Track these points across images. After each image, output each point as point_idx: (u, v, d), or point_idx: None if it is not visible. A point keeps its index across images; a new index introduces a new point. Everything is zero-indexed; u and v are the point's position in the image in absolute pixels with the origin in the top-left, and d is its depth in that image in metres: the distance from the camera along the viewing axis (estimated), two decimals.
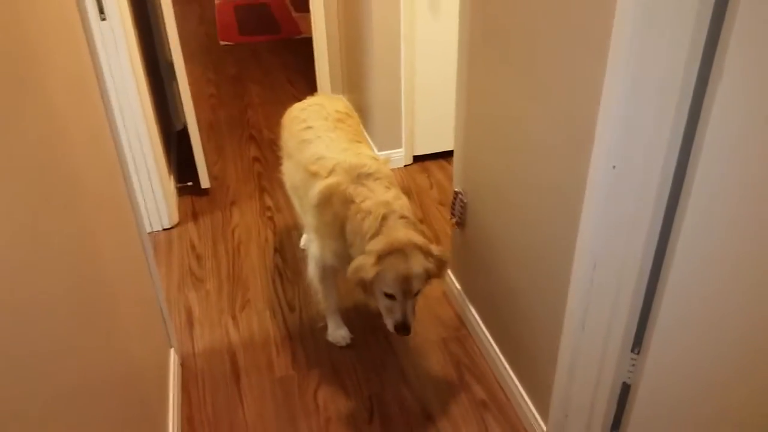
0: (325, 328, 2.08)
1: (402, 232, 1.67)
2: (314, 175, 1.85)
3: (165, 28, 2.59)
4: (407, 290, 1.64)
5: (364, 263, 1.64)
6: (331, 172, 1.81)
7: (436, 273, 1.70)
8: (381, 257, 1.63)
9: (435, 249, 1.70)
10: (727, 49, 1.03)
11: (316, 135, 1.98)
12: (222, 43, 5.02)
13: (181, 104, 2.80)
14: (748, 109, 1.09)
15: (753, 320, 1.35)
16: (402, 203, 1.77)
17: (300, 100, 2.27)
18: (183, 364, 2.00)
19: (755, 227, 1.23)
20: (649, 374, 1.43)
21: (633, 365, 1.46)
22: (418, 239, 1.67)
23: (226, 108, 3.84)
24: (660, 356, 1.40)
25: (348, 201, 1.74)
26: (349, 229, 1.74)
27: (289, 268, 2.44)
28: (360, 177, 1.78)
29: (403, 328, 1.67)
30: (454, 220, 2.05)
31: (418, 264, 1.64)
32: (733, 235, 1.24)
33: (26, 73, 0.98)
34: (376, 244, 1.64)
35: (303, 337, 2.10)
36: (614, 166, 1.17)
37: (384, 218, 1.69)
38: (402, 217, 1.71)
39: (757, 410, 1.49)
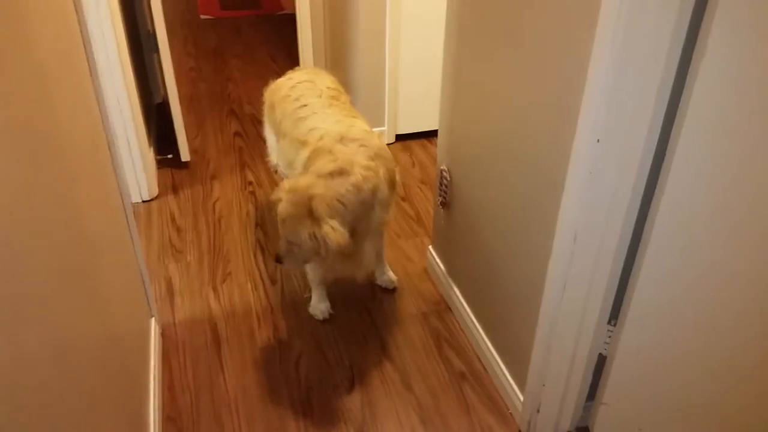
0: (310, 299, 2.10)
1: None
2: (304, 144, 1.87)
3: None
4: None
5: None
6: (320, 140, 1.83)
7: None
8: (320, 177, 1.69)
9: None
10: (712, 24, 1.06)
11: (312, 111, 1.97)
12: (203, 17, 4.95)
13: (162, 76, 2.77)
14: (730, 85, 1.13)
15: (728, 294, 1.40)
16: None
17: (281, 75, 2.25)
18: (163, 334, 2.00)
19: (735, 203, 1.27)
20: (624, 346, 1.48)
21: (609, 337, 1.51)
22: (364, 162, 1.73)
23: (207, 82, 3.80)
24: (636, 328, 1.45)
25: (327, 154, 1.77)
26: None
27: (271, 242, 2.44)
28: (344, 140, 1.79)
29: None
30: (440, 200, 2.07)
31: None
32: (712, 211, 1.28)
33: (14, 33, 0.97)
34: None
35: (285, 310, 2.12)
36: (598, 140, 1.20)
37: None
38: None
39: (730, 381, 1.54)
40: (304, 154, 1.84)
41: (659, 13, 1.08)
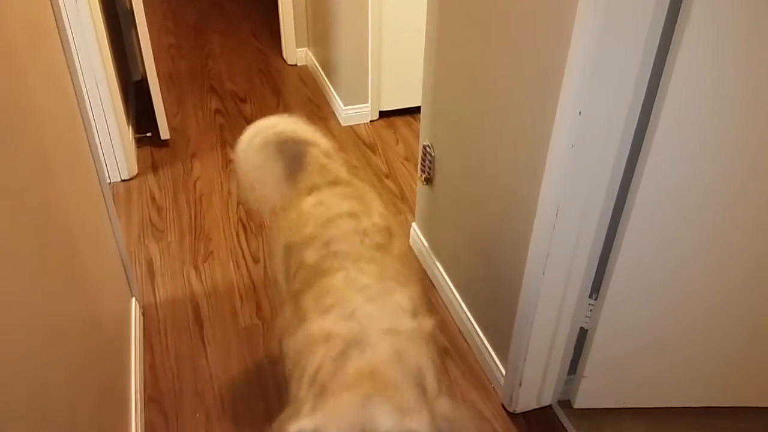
0: None
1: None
2: (315, 342, 1.11)
3: None
4: None
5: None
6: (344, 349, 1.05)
7: None
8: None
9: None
10: None
11: (341, 265, 1.24)
12: None
13: (140, 53, 2.71)
14: (714, 53, 1.12)
15: (708, 265, 1.41)
16: None
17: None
18: (144, 314, 1.98)
19: (715, 179, 1.27)
20: (605, 320, 1.49)
21: (590, 311, 1.51)
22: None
23: (187, 59, 3.73)
24: (616, 302, 1.46)
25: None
26: None
27: (253, 220, 2.42)
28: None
29: None
30: (423, 176, 2.05)
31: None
32: (692, 187, 1.28)
33: None
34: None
35: (268, 289, 2.10)
36: (580, 113, 1.19)
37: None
38: None
39: (710, 352, 1.56)
40: (315, 359, 1.07)
41: None
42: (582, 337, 1.58)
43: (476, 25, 1.53)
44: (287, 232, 1.42)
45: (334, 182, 1.47)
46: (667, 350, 1.56)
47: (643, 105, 1.22)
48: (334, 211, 1.36)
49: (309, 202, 1.41)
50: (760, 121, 1.19)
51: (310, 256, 1.30)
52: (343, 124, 3.07)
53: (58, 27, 1.47)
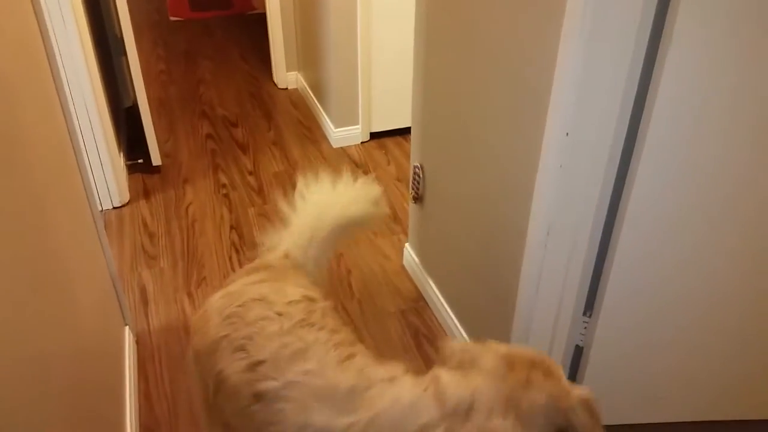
0: None
1: None
2: None
3: (114, 0, 2.51)
4: None
5: None
6: None
7: None
8: None
9: None
10: (677, 14, 1.07)
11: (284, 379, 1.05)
12: (172, 18, 4.88)
13: (131, 80, 2.72)
14: (697, 74, 1.14)
15: (699, 281, 1.41)
16: None
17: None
18: (138, 342, 1.97)
19: (704, 192, 1.29)
20: (600, 337, 1.49)
21: (585, 328, 1.52)
22: None
23: (177, 84, 3.75)
24: (610, 319, 1.46)
25: None
26: None
27: (246, 244, 2.42)
28: None
29: None
30: (412, 193, 2.07)
31: None
32: (680, 202, 1.29)
33: None
34: None
35: None
36: (567, 133, 1.21)
37: None
38: None
39: (705, 367, 1.56)
40: None
41: (625, 5, 1.08)
42: (578, 355, 1.58)
43: (463, 47, 1.55)
44: (193, 336, 1.22)
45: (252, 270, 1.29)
46: (664, 365, 1.56)
47: (630, 124, 1.23)
48: (239, 298, 1.15)
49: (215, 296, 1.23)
50: (744, 136, 1.21)
51: (230, 370, 1.06)
52: (334, 146, 3.08)
53: (47, 55, 1.47)
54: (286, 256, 1.36)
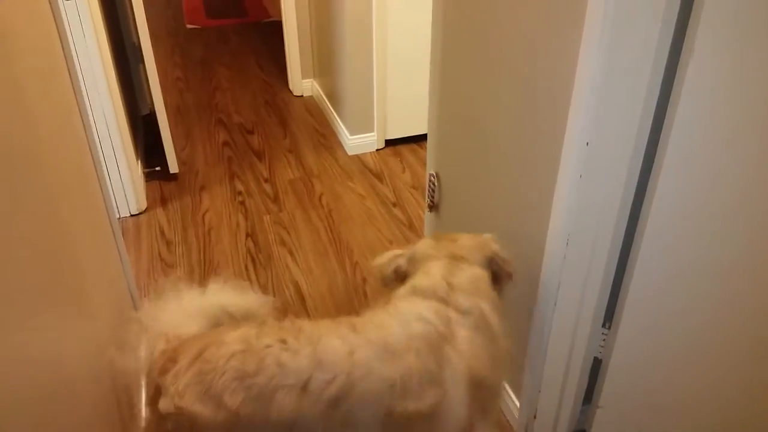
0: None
1: None
2: None
3: (131, 9, 2.53)
4: None
5: None
6: None
7: None
8: None
9: None
10: (698, 25, 1.05)
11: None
12: (189, 26, 4.92)
13: (148, 88, 2.74)
14: (718, 85, 1.12)
15: (721, 294, 1.39)
16: None
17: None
18: None
19: (724, 205, 1.26)
20: (619, 349, 1.47)
21: (604, 340, 1.49)
22: None
23: (194, 92, 3.78)
24: (630, 331, 1.44)
25: None
26: None
27: (262, 252, 2.42)
28: None
29: None
30: (428, 202, 2.06)
31: None
32: (702, 212, 1.27)
33: None
34: None
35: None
36: (588, 143, 1.19)
37: None
38: None
39: (726, 379, 1.53)
40: None
41: (646, 15, 1.07)
42: (596, 367, 1.55)
43: (481, 55, 1.54)
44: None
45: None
46: (684, 378, 1.54)
47: (650, 134, 1.22)
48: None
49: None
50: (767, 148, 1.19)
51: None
52: (349, 154, 3.08)
53: (67, 63, 1.48)
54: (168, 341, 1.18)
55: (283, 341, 1.09)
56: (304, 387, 1.05)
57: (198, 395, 1.04)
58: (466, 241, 1.31)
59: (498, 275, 1.33)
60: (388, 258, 1.34)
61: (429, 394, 1.08)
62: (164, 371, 1.08)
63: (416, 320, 1.13)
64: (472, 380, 1.13)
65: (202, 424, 1.04)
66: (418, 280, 1.23)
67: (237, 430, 1.05)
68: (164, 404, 1.06)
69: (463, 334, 1.15)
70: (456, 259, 1.25)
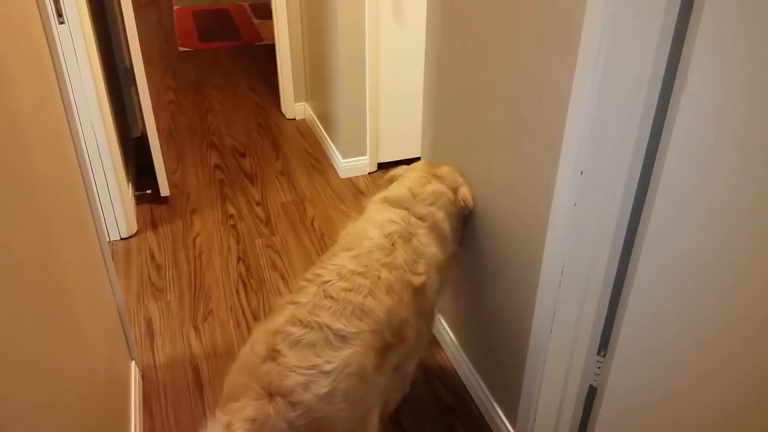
0: None
1: None
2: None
3: (124, 32, 2.53)
4: None
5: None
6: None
7: None
8: None
9: None
10: (691, 57, 1.06)
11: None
12: (181, 49, 4.94)
13: (140, 110, 2.74)
14: (710, 116, 1.13)
15: (716, 324, 1.39)
16: None
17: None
18: (144, 376, 1.94)
19: (718, 233, 1.27)
20: (614, 377, 1.46)
21: (599, 368, 1.49)
22: None
23: (186, 114, 3.77)
24: (625, 359, 1.43)
25: None
26: None
27: (253, 276, 2.40)
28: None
29: None
30: None
31: None
32: (696, 240, 1.27)
33: None
34: None
35: None
36: (582, 172, 1.19)
37: None
38: None
39: (722, 408, 1.52)
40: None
41: (639, 45, 1.08)
42: (591, 395, 1.54)
43: (475, 83, 1.55)
44: None
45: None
46: (679, 407, 1.52)
47: (644, 163, 1.22)
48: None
49: None
50: (760, 176, 1.20)
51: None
52: (341, 177, 3.08)
53: (59, 86, 1.48)
54: None
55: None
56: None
57: None
58: (446, 168, 1.67)
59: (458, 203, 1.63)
60: (395, 172, 1.73)
61: (421, 269, 1.43)
62: None
63: (387, 222, 1.46)
64: (437, 262, 1.49)
65: None
66: (392, 189, 1.59)
67: None
68: None
69: (421, 232, 1.48)
70: (431, 175, 1.61)
